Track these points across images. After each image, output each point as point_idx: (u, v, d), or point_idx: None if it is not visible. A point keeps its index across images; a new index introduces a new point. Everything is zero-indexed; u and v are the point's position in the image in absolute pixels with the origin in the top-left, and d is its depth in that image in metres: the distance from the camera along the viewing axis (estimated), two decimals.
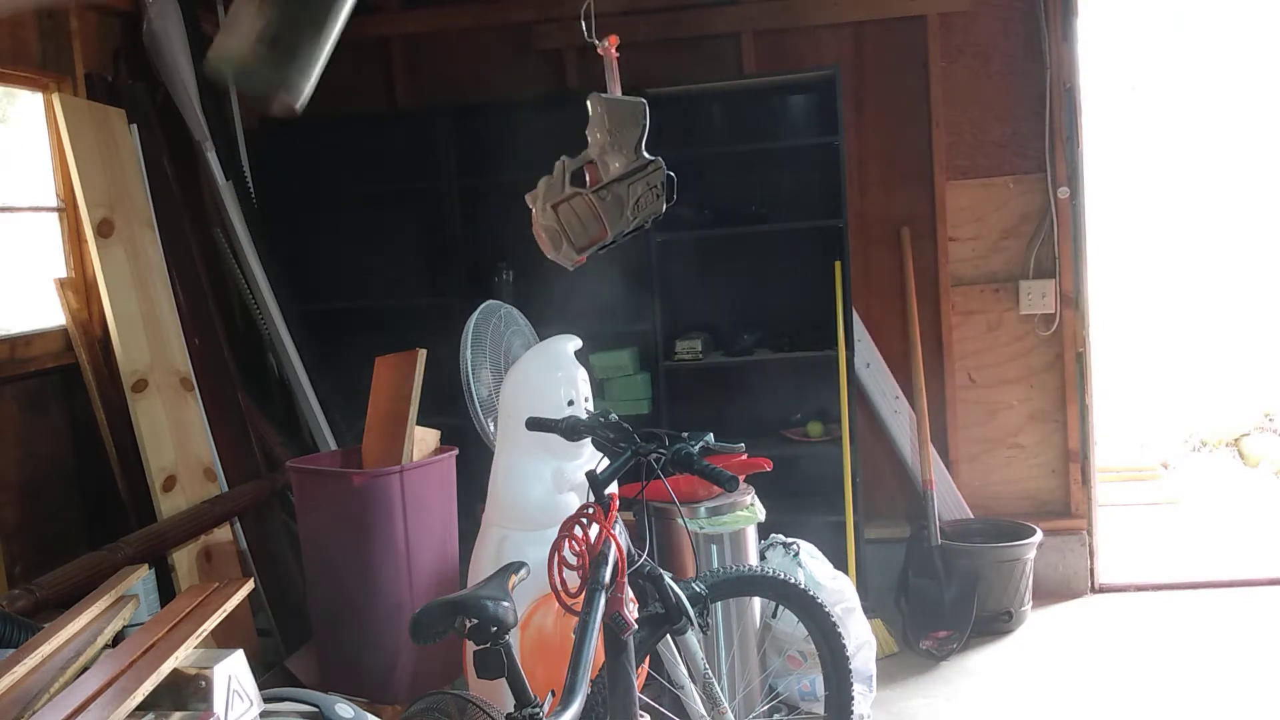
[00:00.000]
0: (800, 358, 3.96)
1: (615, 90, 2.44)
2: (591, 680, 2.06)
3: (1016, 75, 4.10)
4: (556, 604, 2.11)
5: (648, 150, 2.40)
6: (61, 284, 3.25)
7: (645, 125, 2.38)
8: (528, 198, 2.48)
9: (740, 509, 3.15)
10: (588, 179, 2.43)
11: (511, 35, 4.34)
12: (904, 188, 4.19)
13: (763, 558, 3.34)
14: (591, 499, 2.16)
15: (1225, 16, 6.47)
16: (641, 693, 2.24)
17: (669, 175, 2.38)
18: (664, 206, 2.40)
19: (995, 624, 3.87)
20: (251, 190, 4.00)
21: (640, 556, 2.20)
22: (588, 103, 2.41)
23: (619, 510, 2.15)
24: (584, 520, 2.12)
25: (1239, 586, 4.11)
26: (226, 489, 3.45)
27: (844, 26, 4.17)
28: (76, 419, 3.25)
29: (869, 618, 3.43)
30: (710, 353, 4.03)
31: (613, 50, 2.46)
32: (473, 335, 3.09)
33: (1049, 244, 4.12)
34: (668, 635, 2.31)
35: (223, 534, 3.39)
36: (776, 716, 3.21)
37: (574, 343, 2.96)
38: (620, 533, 2.15)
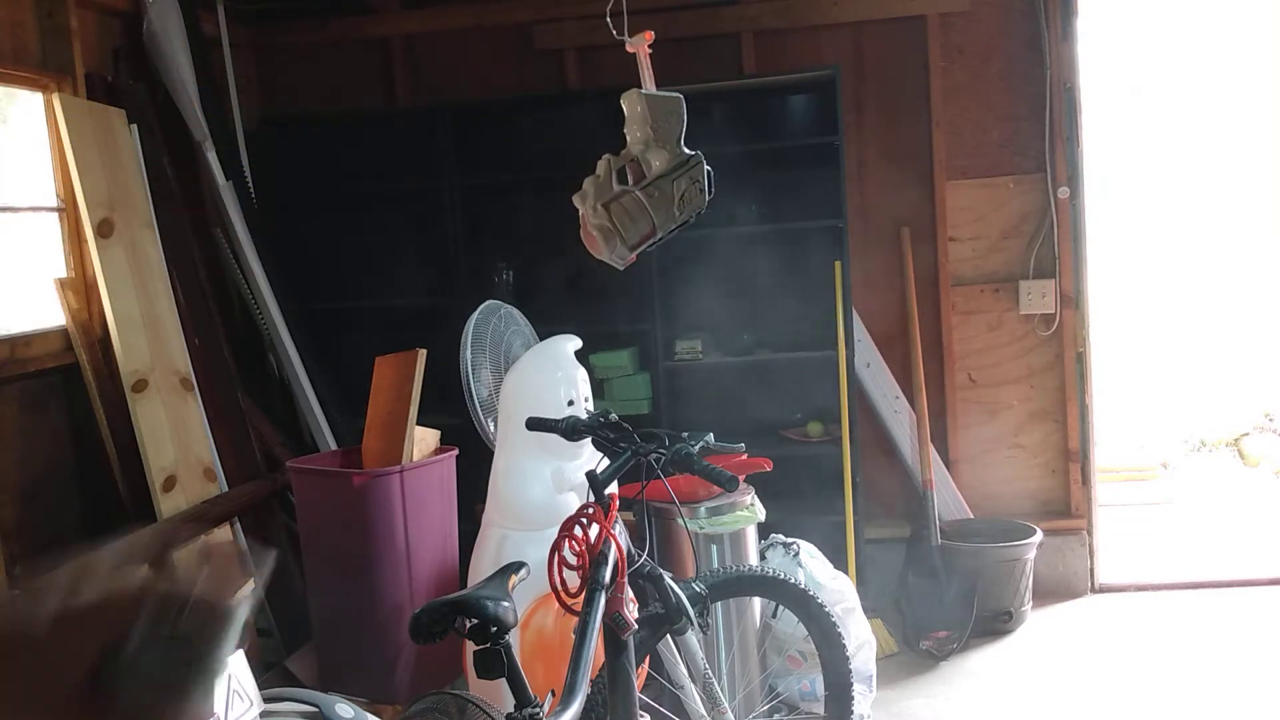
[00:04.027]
0: (800, 358, 3.96)
1: (650, 86, 2.41)
2: (591, 680, 2.06)
3: (1016, 75, 4.10)
4: (556, 604, 2.11)
5: None
6: (61, 284, 3.25)
7: (685, 120, 2.37)
8: (575, 199, 2.45)
9: (740, 509, 3.15)
10: (630, 177, 2.41)
11: (511, 35, 4.34)
12: (904, 188, 4.19)
13: (763, 558, 3.33)
14: (591, 499, 2.16)
15: (1225, 17, 6.47)
16: (641, 693, 2.24)
17: (708, 170, 2.36)
18: (706, 201, 2.38)
19: (995, 624, 3.87)
20: (251, 190, 4.00)
21: (640, 556, 2.20)
22: (623, 101, 2.38)
23: (619, 510, 2.15)
24: (584, 520, 2.12)
25: (1239, 586, 4.11)
26: (226, 489, 3.45)
27: (844, 27, 4.17)
28: (76, 419, 3.25)
29: (869, 618, 3.43)
30: (710, 353, 4.02)
31: (645, 47, 2.44)
32: (473, 335, 3.09)
33: (1049, 244, 4.12)
34: (668, 635, 2.31)
35: (223, 534, 3.38)
36: (776, 716, 3.21)
37: (574, 343, 2.96)
38: (620, 533, 2.15)
